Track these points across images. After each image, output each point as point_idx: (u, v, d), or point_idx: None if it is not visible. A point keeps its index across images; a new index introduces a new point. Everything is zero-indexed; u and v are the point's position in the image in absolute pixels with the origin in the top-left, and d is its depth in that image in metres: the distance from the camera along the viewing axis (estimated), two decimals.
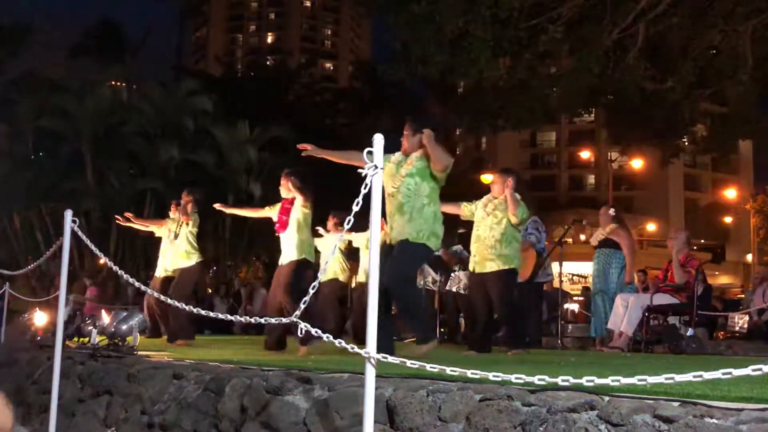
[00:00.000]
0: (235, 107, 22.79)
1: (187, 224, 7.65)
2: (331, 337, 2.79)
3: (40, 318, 8.04)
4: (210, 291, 16.72)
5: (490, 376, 2.37)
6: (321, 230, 8.28)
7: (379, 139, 2.70)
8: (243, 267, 25.37)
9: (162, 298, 4.18)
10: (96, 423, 4.52)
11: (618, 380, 2.15)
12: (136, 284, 4.11)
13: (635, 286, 7.89)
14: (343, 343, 2.73)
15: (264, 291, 15.58)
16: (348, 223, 2.92)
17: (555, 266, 9.28)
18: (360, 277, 8.43)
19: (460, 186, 19.47)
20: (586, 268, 8.35)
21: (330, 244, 7.90)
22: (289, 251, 6.34)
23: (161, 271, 8.07)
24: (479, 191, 7.64)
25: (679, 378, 2.05)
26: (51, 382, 4.33)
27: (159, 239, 8.22)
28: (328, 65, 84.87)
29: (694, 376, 2.03)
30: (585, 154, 51.67)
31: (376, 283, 2.70)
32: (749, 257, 39.99)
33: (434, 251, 4.99)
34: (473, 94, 13.48)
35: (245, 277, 23.44)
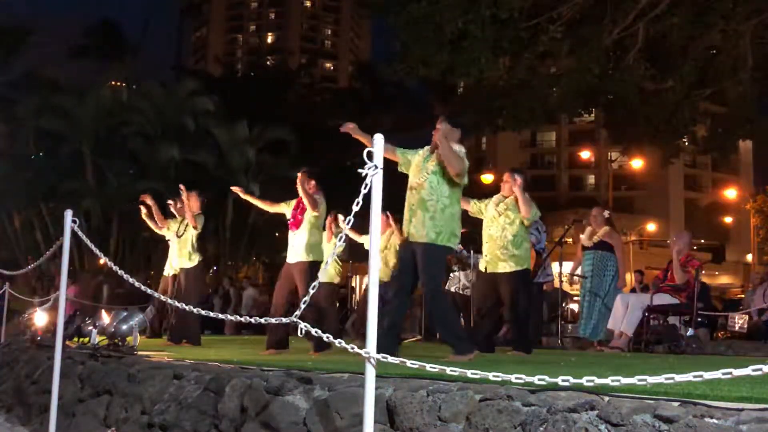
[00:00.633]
0: (235, 107, 22.78)
1: (195, 227, 7.67)
2: (331, 337, 2.80)
3: (40, 318, 8.04)
4: (210, 291, 16.70)
5: (490, 376, 2.37)
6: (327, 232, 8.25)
7: (379, 139, 2.69)
8: (243, 267, 25.38)
9: (164, 299, 4.18)
10: (96, 423, 4.52)
11: (618, 380, 2.15)
12: (137, 284, 4.11)
13: (621, 290, 7.88)
14: (343, 343, 2.73)
15: (252, 290, 15.56)
16: (348, 223, 2.93)
17: (555, 266, 9.28)
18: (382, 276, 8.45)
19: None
20: (572, 266, 8.33)
21: (330, 244, 7.91)
22: (298, 250, 6.28)
23: (169, 269, 8.17)
24: (479, 191, 7.66)
25: (679, 378, 2.05)
26: (51, 382, 4.33)
27: (159, 239, 8.25)
28: (328, 65, 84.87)
29: (694, 376, 2.03)
30: (585, 154, 51.69)
31: (376, 282, 2.70)
32: (749, 257, 39.99)
33: (453, 250, 5.03)
34: (473, 94, 13.49)
35: (236, 277, 23.45)
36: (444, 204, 4.80)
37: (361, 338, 7.59)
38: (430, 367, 2.48)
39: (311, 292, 2.98)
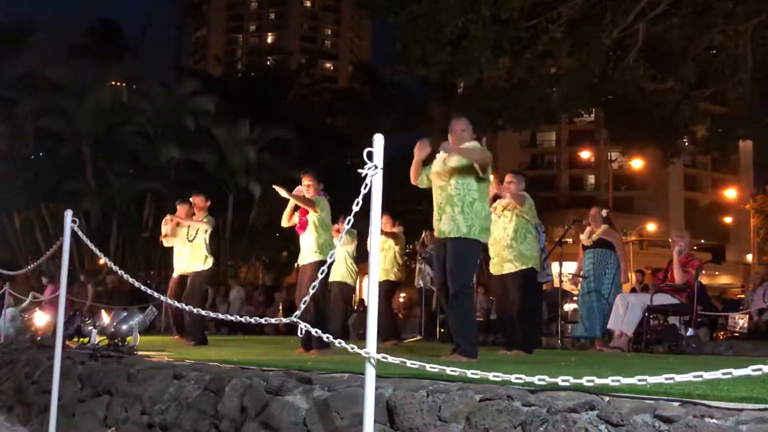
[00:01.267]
0: (235, 107, 22.79)
1: (206, 231, 7.68)
2: (331, 337, 2.80)
3: (40, 318, 8.04)
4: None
5: (490, 376, 2.37)
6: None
7: (379, 139, 2.69)
8: (243, 267, 25.39)
9: (164, 299, 4.18)
10: (96, 423, 4.52)
11: (618, 380, 2.15)
12: (137, 284, 4.11)
13: (621, 288, 7.88)
14: (343, 343, 2.73)
15: (238, 290, 15.46)
16: (348, 224, 2.93)
17: (555, 266, 9.28)
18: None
19: None
20: (575, 266, 8.34)
21: (342, 246, 7.93)
22: (307, 251, 6.29)
23: (178, 270, 8.23)
24: None
25: (679, 378, 2.05)
26: (51, 382, 4.33)
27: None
28: (328, 65, 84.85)
29: (694, 376, 2.02)
30: (585, 154, 51.68)
31: (376, 282, 2.70)
32: (749, 257, 40.01)
33: (485, 244, 5.02)
34: (473, 94, 13.50)
35: (245, 276, 23.45)
36: (473, 198, 4.82)
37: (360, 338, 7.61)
38: (430, 367, 2.48)
39: (311, 291, 2.98)
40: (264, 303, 15.43)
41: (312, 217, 6.29)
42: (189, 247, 7.75)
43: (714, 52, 11.10)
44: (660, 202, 50.80)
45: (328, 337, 2.79)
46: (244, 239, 22.51)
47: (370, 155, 2.64)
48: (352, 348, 2.68)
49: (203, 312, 3.77)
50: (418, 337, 9.89)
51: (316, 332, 2.79)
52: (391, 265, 8.49)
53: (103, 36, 28.40)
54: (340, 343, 2.74)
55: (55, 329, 4.83)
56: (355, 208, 2.73)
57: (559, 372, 2.35)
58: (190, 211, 8.40)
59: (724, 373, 1.96)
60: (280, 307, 14.99)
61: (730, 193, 45.75)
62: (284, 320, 3.18)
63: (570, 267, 8.44)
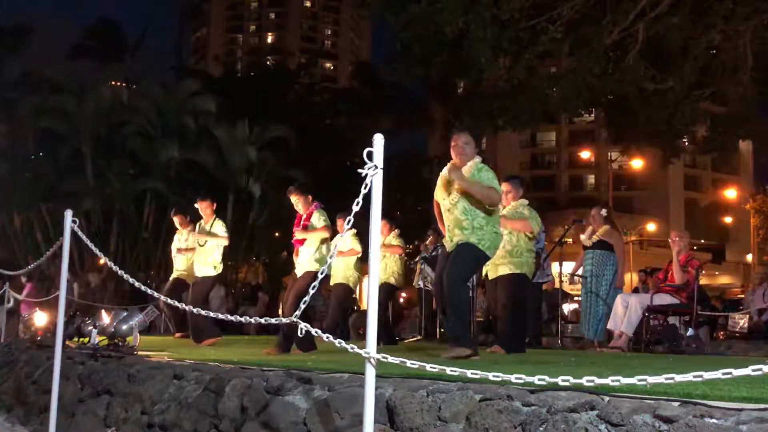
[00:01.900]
0: (235, 107, 22.78)
1: (223, 238, 7.62)
2: (331, 337, 2.80)
3: (40, 318, 8.04)
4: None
5: (490, 376, 2.37)
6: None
7: (379, 139, 2.69)
8: (243, 267, 25.39)
9: (164, 299, 4.18)
10: (96, 423, 4.52)
11: (618, 380, 2.15)
12: (137, 284, 4.11)
13: (622, 290, 7.87)
14: (343, 343, 2.73)
15: (218, 289, 15.40)
16: (348, 224, 2.93)
17: (555, 266, 9.27)
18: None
19: None
20: (574, 266, 8.34)
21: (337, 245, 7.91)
22: (305, 264, 6.26)
23: (178, 273, 8.28)
24: None
25: (679, 378, 2.05)
26: (51, 382, 4.33)
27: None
28: (328, 65, 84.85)
29: (694, 376, 2.02)
30: (585, 154, 51.67)
31: (376, 282, 2.70)
32: (749, 257, 39.98)
33: (490, 257, 4.99)
34: (473, 94, 13.50)
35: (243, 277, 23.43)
36: (480, 224, 4.79)
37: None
38: (430, 367, 2.48)
39: (311, 292, 2.98)
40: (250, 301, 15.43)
41: (315, 235, 6.27)
42: (199, 252, 7.68)
43: (714, 52, 11.09)
44: (660, 202, 50.82)
45: (328, 337, 2.80)
46: (244, 239, 22.50)
47: (370, 155, 2.64)
48: (352, 348, 2.68)
49: (203, 312, 3.76)
50: (418, 337, 9.88)
51: (316, 332, 2.80)
52: (392, 271, 8.48)
53: (103, 36, 28.41)
54: (339, 343, 2.75)
55: (55, 329, 4.83)
56: (356, 208, 2.73)
57: (559, 372, 2.35)
58: (185, 220, 8.40)
59: (724, 373, 1.96)
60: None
61: (730, 193, 45.74)
62: (285, 320, 3.18)
63: (570, 267, 8.43)
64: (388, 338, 8.46)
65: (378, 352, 2.56)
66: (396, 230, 8.93)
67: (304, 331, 2.81)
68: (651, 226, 44.20)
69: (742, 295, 14.71)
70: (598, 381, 2.19)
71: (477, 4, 9.78)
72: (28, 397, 5.64)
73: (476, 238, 4.77)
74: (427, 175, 29.74)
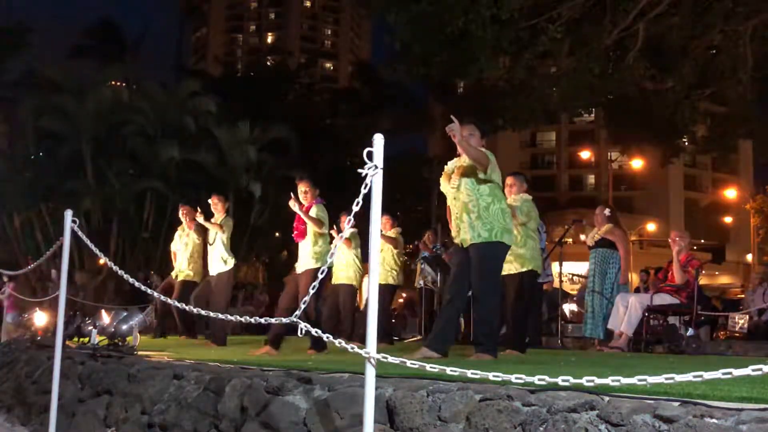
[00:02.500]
0: (235, 107, 22.78)
1: (223, 231, 7.61)
2: (331, 337, 2.80)
3: (40, 318, 8.05)
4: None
5: (490, 376, 2.37)
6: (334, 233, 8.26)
7: (379, 139, 2.69)
8: (243, 267, 25.39)
9: (163, 298, 4.18)
10: (96, 423, 4.52)
11: (618, 380, 2.15)
12: (137, 284, 4.12)
13: (627, 287, 7.86)
14: (343, 343, 2.73)
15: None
16: (348, 224, 2.93)
17: (555, 266, 9.27)
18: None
19: None
20: (586, 268, 8.34)
21: (338, 246, 7.92)
22: (305, 259, 6.28)
23: (176, 273, 8.22)
24: None
25: (679, 378, 2.05)
26: (51, 382, 4.33)
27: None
28: (328, 65, 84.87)
29: (694, 376, 2.02)
30: (585, 154, 51.67)
31: (376, 282, 2.70)
32: (749, 257, 39.98)
33: (509, 246, 4.94)
34: (473, 94, 13.50)
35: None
36: (486, 202, 4.76)
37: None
38: (430, 367, 2.48)
39: (311, 292, 2.99)
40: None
41: (311, 227, 6.28)
42: (210, 250, 7.69)
43: (714, 52, 11.09)
44: (660, 202, 50.83)
45: (328, 337, 2.80)
46: (245, 239, 22.50)
47: (370, 155, 2.64)
48: (352, 348, 2.68)
49: (195, 312, 3.76)
50: (418, 337, 9.88)
51: (316, 332, 2.80)
52: (389, 268, 8.49)
53: (103, 36, 28.38)
54: (340, 343, 2.75)
55: (54, 329, 4.83)
56: (356, 208, 2.73)
57: (559, 372, 2.34)
58: (192, 214, 8.41)
59: (724, 373, 1.96)
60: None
61: (730, 193, 45.75)
62: (284, 320, 3.18)
63: (570, 267, 8.43)
64: (385, 338, 8.47)
65: (389, 350, 2.56)
66: (398, 228, 8.93)
67: (304, 332, 2.81)
68: (651, 226, 44.17)
69: (742, 295, 14.71)
70: (598, 381, 2.19)
71: (477, 3, 9.78)
72: (28, 397, 5.64)
73: (484, 227, 4.71)
74: (427, 175, 29.75)
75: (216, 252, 7.61)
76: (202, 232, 8.27)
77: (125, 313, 6.13)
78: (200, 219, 7.70)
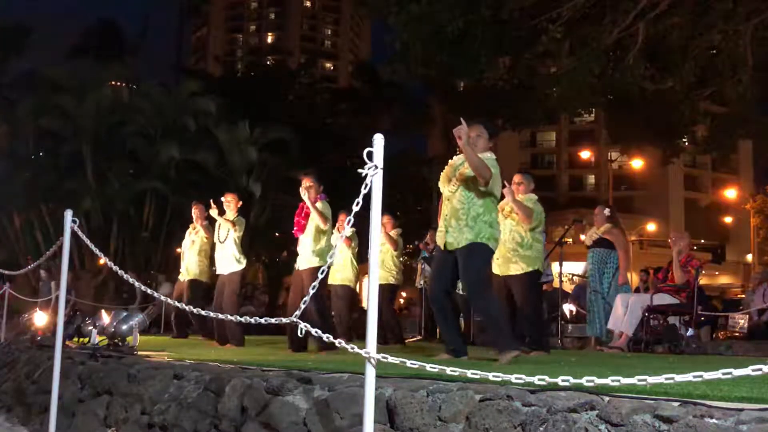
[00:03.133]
0: (235, 107, 22.77)
1: (235, 229, 7.54)
2: (330, 337, 2.80)
3: (40, 318, 8.05)
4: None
5: (490, 376, 2.37)
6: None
7: (379, 139, 2.69)
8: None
9: (167, 300, 4.18)
10: (96, 423, 4.52)
11: (618, 380, 2.15)
12: (137, 284, 4.12)
13: (629, 287, 7.87)
14: (343, 343, 2.73)
15: (167, 286, 15.31)
16: (348, 223, 2.93)
17: (555, 266, 9.27)
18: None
19: None
20: (581, 267, 8.35)
21: (339, 245, 7.91)
22: (307, 256, 6.24)
23: (185, 275, 8.20)
24: None
25: (679, 378, 2.05)
26: (51, 382, 4.32)
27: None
28: (328, 65, 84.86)
29: (694, 376, 2.02)
30: (585, 154, 51.67)
31: (376, 282, 2.70)
32: (749, 257, 40.00)
33: (494, 252, 4.85)
34: (473, 94, 13.49)
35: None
36: (477, 212, 4.66)
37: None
38: (430, 367, 2.48)
39: (311, 292, 2.98)
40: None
41: (314, 222, 6.24)
42: (220, 248, 7.61)
43: (714, 52, 11.08)
44: (660, 202, 50.81)
45: (328, 337, 2.80)
46: (245, 239, 22.49)
47: (370, 155, 2.64)
48: (352, 348, 2.68)
49: (195, 313, 3.76)
50: (418, 337, 9.89)
51: (316, 332, 2.80)
52: (389, 268, 8.49)
53: (103, 36, 28.38)
54: (339, 343, 2.75)
55: (55, 329, 4.83)
56: (355, 208, 2.73)
57: (559, 372, 2.35)
58: (204, 213, 8.38)
59: (724, 373, 1.96)
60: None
61: (730, 193, 45.73)
62: (284, 320, 3.18)
63: (570, 267, 8.43)
64: (399, 337, 8.48)
65: (378, 351, 2.56)
66: (398, 229, 8.94)
67: (304, 331, 2.81)
68: (651, 226, 44.20)
69: (742, 295, 14.71)
70: (598, 381, 2.19)
71: (477, 3, 9.78)
72: (28, 397, 5.64)
73: (472, 232, 4.63)
74: (427, 175, 29.74)
75: (228, 250, 7.51)
76: (211, 230, 8.21)
77: (125, 313, 6.13)
78: (214, 213, 7.56)
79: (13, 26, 22.64)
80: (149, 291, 4.04)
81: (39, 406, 5.30)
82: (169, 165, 20.08)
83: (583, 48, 10.63)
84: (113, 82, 22.61)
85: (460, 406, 2.73)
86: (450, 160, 4.96)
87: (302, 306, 2.95)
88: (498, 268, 6.10)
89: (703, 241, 37.91)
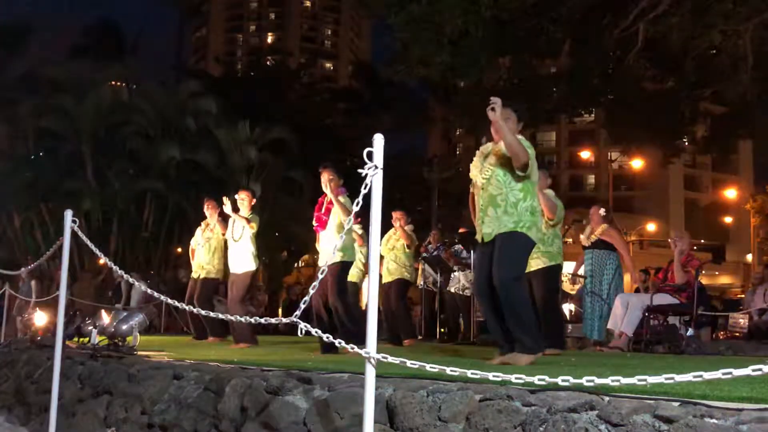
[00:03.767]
0: (235, 107, 22.78)
1: (251, 227, 7.40)
2: (330, 337, 2.80)
3: (40, 318, 8.05)
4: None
5: (490, 376, 2.37)
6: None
7: (379, 139, 2.69)
8: None
9: (173, 302, 4.18)
10: (96, 423, 4.51)
11: (618, 380, 2.15)
12: (137, 284, 4.12)
13: (637, 286, 7.86)
14: (343, 343, 2.73)
15: (144, 285, 15.19)
16: (348, 223, 2.93)
17: None
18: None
19: (460, 185, 19.44)
20: (573, 267, 8.34)
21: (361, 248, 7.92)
22: (329, 251, 6.04)
23: (197, 272, 8.23)
24: None
25: (679, 378, 2.05)
26: (51, 382, 4.32)
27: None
28: (328, 65, 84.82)
29: (694, 376, 2.02)
30: (585, 154, 51.68)
31: (376, 282, 2.70)
32: (749, 257, 39.96)
33: (534, 244, 4.46)
34: (473, 94, 13.49)
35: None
36: (516, 197, 4.30)
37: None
38: (430, 367, 2.48)
39: (311, 292, 2.98)
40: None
41: (336, 218, 6.10)
42: (235, 246, 7.47)
43: (714, 52, 11.09)
44: (660, 202, 50.80)
45: (327, 337, 2.80)
46: None
47: (370, 155, 2.64)
48: (352, 348, 2.68)
49: (202, 313, 3.76)
50: (418, 337, 9.88)
51: (316, 332, 2.80)
52: (401, 264, 8.38)
53: (103, 36, 28.41)
54: (339, 343, 2.75)
55: (55, 329, 4.83)
56: (355, 208, 2.73)
57: (559, 372, 2.34)
58: (217, 209, 8.27)
59: (724, 373, 1.96)
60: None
61: (730, 193, 45.72)
62: (285, 320, 3.18)
63: (570, 267, 8.42)
64: (412, 332, 8.46)
65: (379, 351, 2.56)
66: (411, 225, 8.90)
67: (304, 332, 2.80)
68: (651, 226, 44.16)
69: (742, 295, 14.70)
70: (598, 381, 2.19)
71: (477, 4, 9.78)
72: (28, 397, 5.64)
73: (511, 220, 4.28)
74: (427, 175, 29.75)
75: (244, 248, 7.37)
76: (225, 228, 8.06)
77: (125, 313, 6.13)
78: (228, 209, 7.39)
79: (13, 26, 22.65)
80: (149, 291, 4.04)
81: (39, 406, 5.30)
82: (169, 165, 20.08)
83: (583, 48, 10.63)
84: (113, 82, 22.61)
85: (460, 406, 2.73)
86: (482, 145, 4.65)
87: (301, 306, 2.93)
88: None
89: (703, 241, 37.84)
